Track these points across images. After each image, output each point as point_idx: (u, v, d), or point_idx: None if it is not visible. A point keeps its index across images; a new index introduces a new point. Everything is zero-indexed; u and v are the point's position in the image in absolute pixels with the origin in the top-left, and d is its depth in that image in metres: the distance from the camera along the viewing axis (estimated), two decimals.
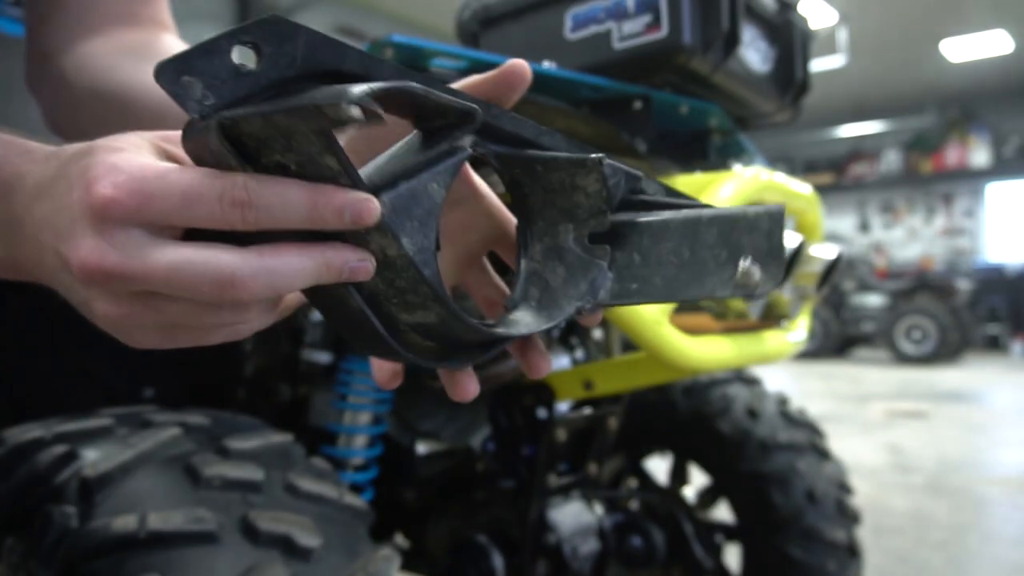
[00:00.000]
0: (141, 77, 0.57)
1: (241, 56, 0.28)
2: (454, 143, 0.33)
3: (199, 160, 0.30)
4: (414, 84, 0.30)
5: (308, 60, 0.29)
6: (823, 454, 1.35)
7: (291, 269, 0.29)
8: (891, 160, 11.98)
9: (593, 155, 0.36)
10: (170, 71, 0.27)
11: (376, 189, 0.30)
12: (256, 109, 0.27)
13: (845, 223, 12.32)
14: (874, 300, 8.89)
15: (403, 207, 0.30)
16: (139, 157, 0.30)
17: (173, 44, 0.63)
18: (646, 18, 0.83)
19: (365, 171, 0.31)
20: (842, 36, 7.56)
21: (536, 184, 0.38)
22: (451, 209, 0.40)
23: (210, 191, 0.29)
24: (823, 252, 0.95)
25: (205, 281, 0.28)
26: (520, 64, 0.38)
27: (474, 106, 0.33)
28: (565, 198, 0.38)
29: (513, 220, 0.41)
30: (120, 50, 0.60)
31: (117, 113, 0.58)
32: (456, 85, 0.38)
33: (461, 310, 0.32)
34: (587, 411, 1.09)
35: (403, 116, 0.32)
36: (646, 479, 1.48)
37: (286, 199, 0.28)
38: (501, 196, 0.42)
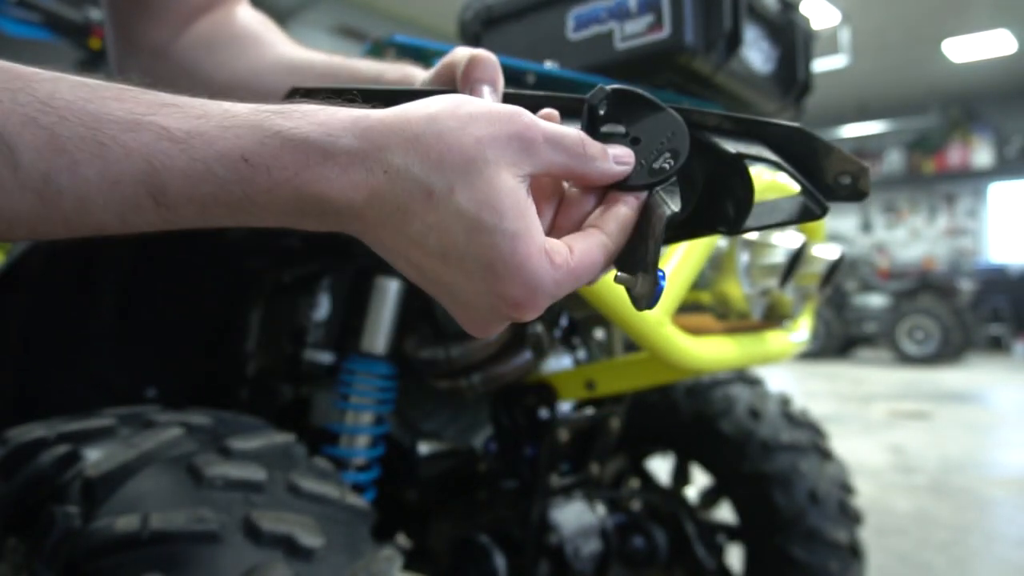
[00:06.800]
0: (229, 68, 0.58)
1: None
2: None
3: None
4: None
5: None
6: (825, 454, 1.34)
7: None
8: (894, 160, 11.96)
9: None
10: None
11: None
12: None
13: (847, 223, 12.31)
14: (876, 300, 8.88)
15: None
16: (539, 244, 0.35)
17: (246, 17, 0.62)
18: (648, 18, 0.83)
19: None
20: (844, 36, 7.54)
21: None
22: None
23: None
24: (825, 252, 0.95)
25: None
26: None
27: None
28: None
29: None
30: (204, 39, 0.60)
31: None
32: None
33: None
34: (589, 411, 1.09)
35: None
36: (648, 479, 1.48)
37: None
38: None
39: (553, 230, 0.39)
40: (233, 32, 0.60)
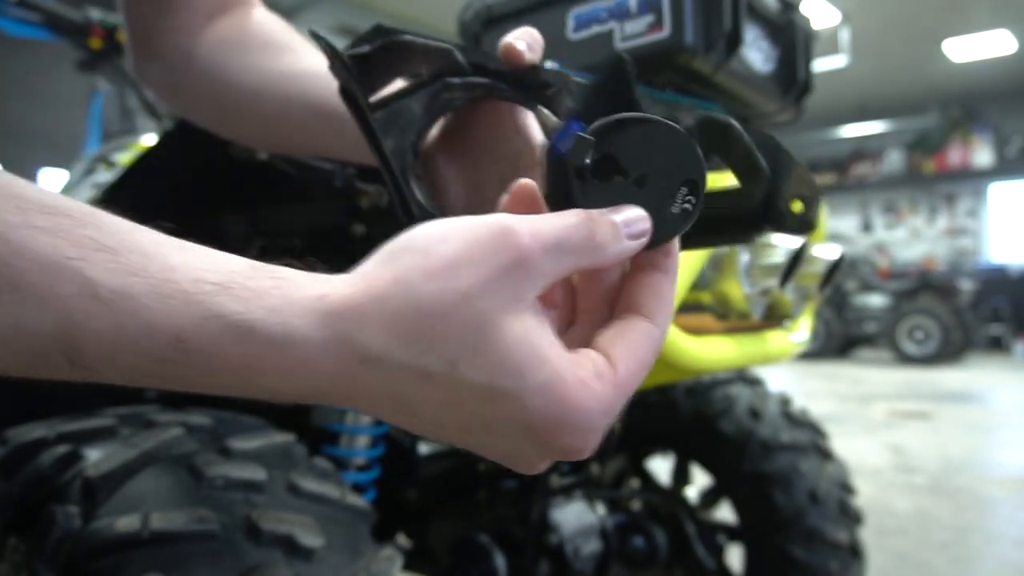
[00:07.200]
0: (264, 71, 0.57)
1: None
2: (439, 77, 0.41)
3: None
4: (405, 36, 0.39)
5: None
6: (825, 454, 1.35)
7: None
8: (894, 160, 11.96)
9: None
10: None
11: (374, 107, 0.40)
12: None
13: (847, 223, 12.31)
14: (876, 300, 8.88)
15: (389, 119, 0.40)
16: (573, 380, 0.28)
17: (267, 21, 0.62)
18: (648, 18, 0.83)
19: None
20: (844, 36, 7.55)
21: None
22: (509, 159, 0.44)
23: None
24: (825, 252, 0.95)
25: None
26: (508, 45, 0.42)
27: (448, 46, 0.40)
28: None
29: None
30: (228, 42, 0.59)
31: (235, 110, 0.58)
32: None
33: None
34: None
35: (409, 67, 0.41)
36: (648, 479, 1.48)
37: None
38: None
39: (580, 313, 0.34)
40: (262, 36, 0.59)
